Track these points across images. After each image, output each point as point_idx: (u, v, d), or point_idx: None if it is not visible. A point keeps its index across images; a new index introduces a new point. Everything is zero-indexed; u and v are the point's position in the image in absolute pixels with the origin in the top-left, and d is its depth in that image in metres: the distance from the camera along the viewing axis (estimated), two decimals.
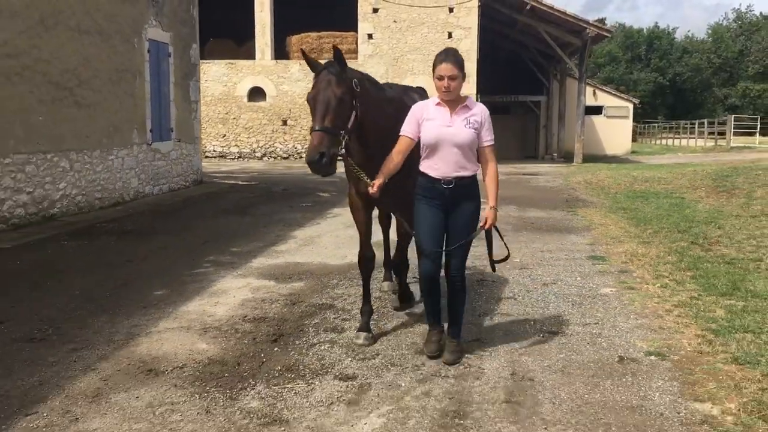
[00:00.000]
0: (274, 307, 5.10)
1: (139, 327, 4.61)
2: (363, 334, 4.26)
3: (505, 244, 4.06)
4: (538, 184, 15.46)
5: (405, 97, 4.60)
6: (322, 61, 3.88)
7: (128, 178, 11.56)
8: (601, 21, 76.67)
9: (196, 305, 5.17)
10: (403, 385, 3.62)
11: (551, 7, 22.97)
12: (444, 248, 3.89)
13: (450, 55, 3.80)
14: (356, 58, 22.98)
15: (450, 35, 22.67)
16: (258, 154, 23.90)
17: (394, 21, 22.93)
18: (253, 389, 3.55)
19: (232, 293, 5.53)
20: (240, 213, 10.50)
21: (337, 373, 3.77)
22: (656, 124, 47.85)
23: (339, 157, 3.71)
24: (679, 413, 3.25)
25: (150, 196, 12.24)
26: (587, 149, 27.51)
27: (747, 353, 3.96)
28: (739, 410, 3.23)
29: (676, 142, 39.70)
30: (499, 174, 3.90)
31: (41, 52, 9.05)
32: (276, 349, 4.18)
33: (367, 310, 4.41)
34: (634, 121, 47.31)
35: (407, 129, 3.87)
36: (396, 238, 4.84)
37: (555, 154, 27.89)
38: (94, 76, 10.38)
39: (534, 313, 4.96)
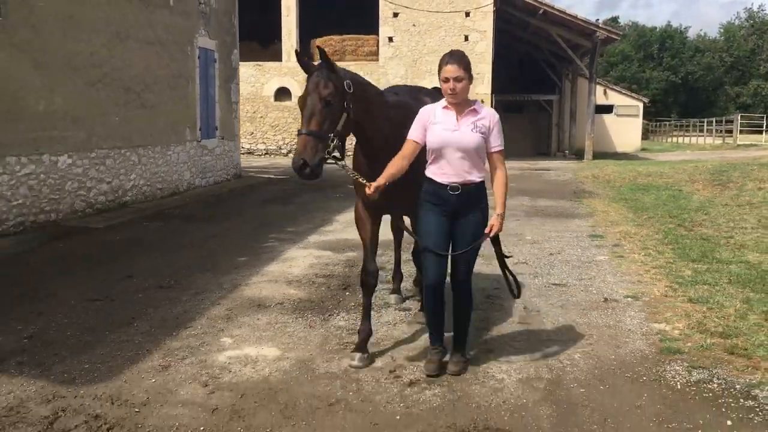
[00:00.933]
0: (337, 268, 6.51)
1: (238, 280, 6.03)
2: (357, 355, 3.99)
3: (513, 276, 3.95)
4: (549, 178, 16.76)
5: (413, 101, 4.40)
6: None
7: (182, 171, 13.03)
8: (614, 19, 77.54)
9: (275, 267, 6.59)
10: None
11: (563, 12, 24.23)
12: (450, 253, 3.77)
13: (455, 56, 3.68)
14: (377, 60, 24.38)
15: (466, 38, 23.97)
16: (284, 151, 25.34)
17: (413, 25, 24.27)
18: (338, 315, 4.96)
19: (300, 259, 6.94)
20: (282, 202, 11.91)
21: (396, 307, 5.16)
22: (667, 123, 48.75)
23: (331, 161, 3.64)
24: (642, 329, 4.61)
25: (199, 188, 13.70)
26: (599, 146, 28.75)
27: (700, 296, 5.31)
28: (683, 328, 4.58)
29: (687, 140, 40.71)
30: (509, 178, 3.83)
31: (116, 62, 10.51)
32: (347, 293, 5.59)
33: (365, 329, 4.15)
34: (646, 119, 48.43)
35: (413, 133, 3.78)
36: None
37: (567, 151, 29.09)
38: (156, 82, 11.84)
39: (542, 272, 6.32)
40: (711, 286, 5.63)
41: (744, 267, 6.27)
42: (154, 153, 11.85)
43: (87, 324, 4.76)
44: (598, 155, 25.55)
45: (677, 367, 3.93)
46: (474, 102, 3.76)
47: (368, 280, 4.17)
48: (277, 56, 25.51)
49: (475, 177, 3.71)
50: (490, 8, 23.90)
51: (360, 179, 3.81)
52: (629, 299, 5.36)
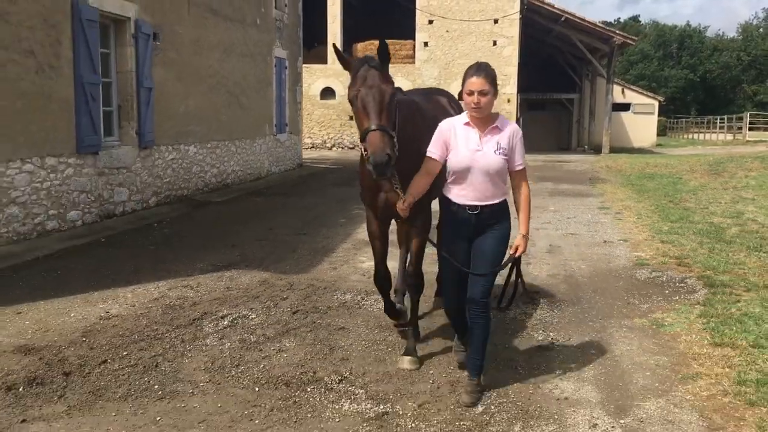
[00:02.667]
0: None
1: (348, 231, 8.70)
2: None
3: (521, 281, 3.81)
4: (569, 168, 19.27)
5: (424, 101, 4.38)
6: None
7: (263, 160, 15.78)
8: (635, 18, 78.97)
9: None
10: None
11: (583, 19, 26.65)
12: (470, 271, 3.62)
13: (482, 69, 3.53)
14: (414, 62, 27.01)
15: (495, 43, 26.48)
16: (328, 145, 28.09)
17: (447, 31, 26.83)
18: None
19: None
20: (348, 185, 14.57)
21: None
22: (684, 120, 50.71)
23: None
24: (626, 255, 7.21)
25: (275, 174, 16.46)
26: (617, 142, 31.11)
27: (669, 239, 7.88)
28: (653, 255, 7.16)
29: (703, 136, 42.74)
30: (531, 194, 3.68)
31: (224, 72, 13.25)
32: None
33: (395, 315, 4.25)
34: (664, 116, 50.54)
35: (434, 150, 3.63)
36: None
37: (586, 146, 31.46)
38: (248, 87, 14.58)
39: (561, 228, 8.93)
40: (679, 235, 8.19)
41: (707, 225, 8.82)
42: (245, 145, 14.61)
43: (268, 250, 7.47)
44: (615, 150, 27.93)
45: (643, 270, 6.52)
46: (496, 117, 3.59)
47: (382, 284, 4.19)
48: (320, 58, 28.21)
49: (496, 198, 3.57)
50: (517, 16, 26.36)
51: (399, 191, 3.65)
52: (620, 241, 7.96)
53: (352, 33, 27.86)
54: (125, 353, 4.25)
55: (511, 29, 26.57)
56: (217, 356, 4.21)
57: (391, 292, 4.37)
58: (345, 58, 3.62)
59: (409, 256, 4.26)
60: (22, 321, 4.86)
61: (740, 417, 3.35)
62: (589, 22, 26.70)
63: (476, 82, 3.46)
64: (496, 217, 3.60)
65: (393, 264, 4.62)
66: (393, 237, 4.65)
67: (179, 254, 7.17)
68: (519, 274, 3.75)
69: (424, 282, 4.34)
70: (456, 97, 4.67)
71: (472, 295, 3.59)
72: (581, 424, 3.33)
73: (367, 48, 27.79)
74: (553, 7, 26.84)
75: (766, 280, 5.97)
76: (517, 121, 27.28)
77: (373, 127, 3.36)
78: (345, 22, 28.05)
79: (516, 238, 3.58)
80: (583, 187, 14.27)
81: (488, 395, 3.69)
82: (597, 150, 29.05)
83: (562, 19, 26.34)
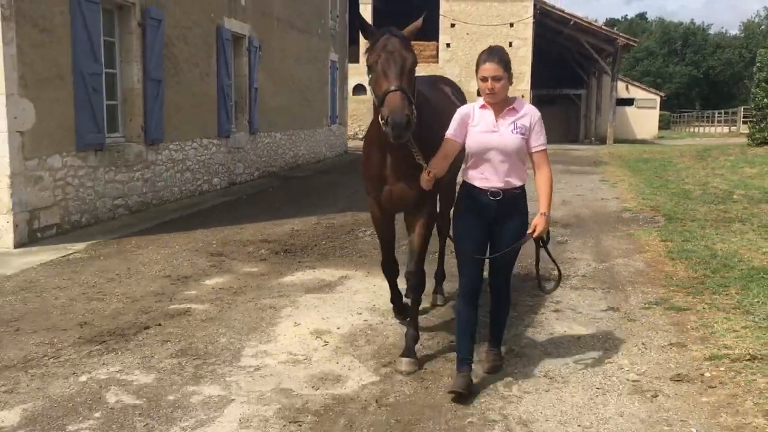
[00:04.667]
0: None
1: None
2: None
3: (555, 262, 3.84)
4: (577, 155, 22.39)
5: (428, 90, 4.29)
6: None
7: (321, 146, 18.97)
8: (642, 15, 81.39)
9: None
10: None
11: (590, 23, 29.71)
12: (487, 256, 3.57)
13: (494, 54, 3.41)
14: (437, 62, 30.08)
15: (510, 44, 29.49)
16: (359, 136, 31.25)
17: (467, 33, 29.91)
18: None
19: None
20: None
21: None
22: (687, 114, 53.58)
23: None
24: (616, 206, 10.37)
25: (330, 158, 19.65)
26: (621, 134, 34.12)
27: (648, 197, 11.02)
28: (635, 205, 10.32)
29: (703, 129, 45.62)
30: (553, 179, 3.56)
31: (298, 74, 16.42)
32: None
33: (396, 303, 4.49)
34: (669, 111, 53.43)
35: (453, 132, 3.55)
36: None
37: (593, 138, 34.46)
38: (312, 86, 17.75)
39: (570, 191, 12.07)
40: (657, 195, 11.32)
41: (679, 190, 11.94)
42: (310, 133, 17.81)
43: (361, 205, 10.65)
44: (619, 141, 30.95)
45: (627, 213, 9.66)
46: (513, 99, 3.51)
47: (390, 268, 4.29)
48: (353, 58, 31.33)
49: (517, 181, 3.50)
50: (530, 20, 29.40)
51: (422, 161, 3.60)
52: (614, 198, 11.12)
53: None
54: (323, 242, 7.44)
55: (525, 32, 29.62)
56: (375, 245, 7.38)
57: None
58: (368, 27, 3.60)
59: (410, 254, 4.01)
60: (247, 230, 8.08)
61: (666, 263, 6.48)
62: (595, 26, 29.74)
63: (489, 68, 3.36)
64: (516, 204, 3.52)
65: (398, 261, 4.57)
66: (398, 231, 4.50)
67: (302, 206, 10.33)
68: (549, 256, 3.70)
69: (425, 281, 4.14)
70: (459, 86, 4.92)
71: (495, 279, 3.67)
72: (583, 265, 6.48)
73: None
74: (563, 11, 29.89)
75: (706, 217, 9.08)
76: None
77: (393, 87, 3.26)
78: (375, 25, 31.08)
79: (536, 217, 3.47)
80: (588, 167, 17.42)
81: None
82: (602, 141, 32.04)
83: (571, 22, 29.38)
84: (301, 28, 16.49)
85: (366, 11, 30.65)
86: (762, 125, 18.66)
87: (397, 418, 3.25)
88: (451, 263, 4.52)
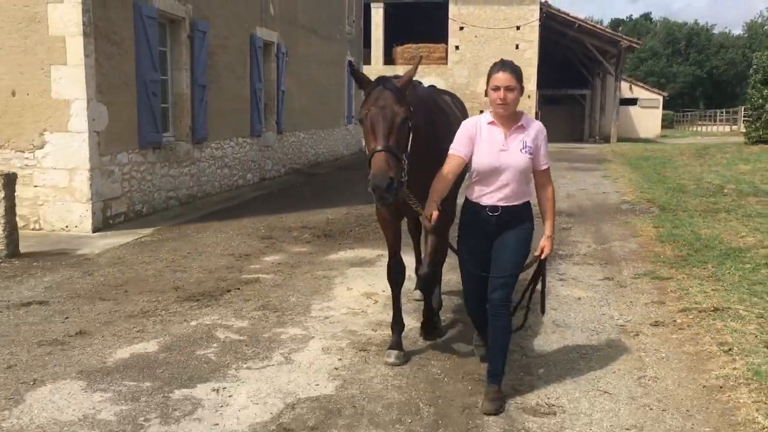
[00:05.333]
0: None
1: None
2: (394, 352, 3.96)
3: (543, 295, 3.73)
4: (581, 153, 23.38)
5: (439, 99, 4.38)
6: (400, 72, 3.71)
7: (338, 145, 20.03)
8: (646, 16, 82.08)
9: None
10: None
11: (594, 25, 30.68)
12: (490, 274, 3.48)
13: (507, 65, 3.40)
14: (446, 63, 31.11)
15: (517, 47, 30.50)
16: None
17: (475, 36, 30.90)
18: None
19: None
20: None
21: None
22: (690, 113, 54.42)
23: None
24: (616, 198, 11.40)
25: (346, 156, 20.71)
26: (624, 133, 35.07)
27: (646, 191, 12.03)
28: (634, 198, 11.34)
29: (707, 128, 46.47)
30: (555, 193, 3.59)
31: (318, 77, 17.48)
32: None
33: (397, 326, 4.09)
34: (673, 110, 54.28)
35: (459, 147, 3.47)
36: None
37: (597, 137, 35.41)
38: (330, 88, 18.81)
39: (574, 186, 13.09)
40: (654, 189, 12.33)
41: (675, 184, 12.94)
42: (329, 132, 18.87)
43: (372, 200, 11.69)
44: (623, 140, 31.89)
45: (625, 204, 10.68)
46: (521, 115, 3.47)
47: (395, 277, 4.08)
48: (365, 60, 32.36)
49: (519, 200, 3.47)
50: (536, 23, 30.38)
51: (419, 209, 3.55)
52: (614, 192, 12.15)
53: (392, 38, 31.99)
54: (356, 228, 8.50)
55: (531, 34, 30.59)
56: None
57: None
58: (362, 77, 3.53)
59: (425, 256, 4.17)
60: (287, 218, 9.14)
61: (656, 245, 7.49)
62: (599, 28, 30.71)
63: (502, 78, 3.34)
64: (517, 218, 3.47)
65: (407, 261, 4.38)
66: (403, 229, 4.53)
67: (330, 199, 11.37)
68: (543, 277, 3.63)
69: (438, 282, 4.56)
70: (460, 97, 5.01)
71: (493, 298, 3.44)
72: (584, 246, 7.51)
73: (405, 51, 31.98)
74: (567, 14, 30.88)
75: (696, 208, 10.08)
76: (536, 115, 31.36)
77: (379, 147, 3.24)
78: (386, 28, 32.18)
79: (541, 240, 3.49)
80: (592, 164, 18.43)
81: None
82: (606, 140, 32.99)
83: (576, 25, 30.36)
84: (321, 34, 17.54)
85: (378, 15, 31.73)
86: (757, 124, 19.61)
87: (439, 347, 4.30)
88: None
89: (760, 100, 19.57)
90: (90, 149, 7.78)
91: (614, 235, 8.20)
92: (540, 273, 3.62)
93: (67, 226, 7.87)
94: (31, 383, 3.65)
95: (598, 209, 10.33)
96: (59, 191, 7.84)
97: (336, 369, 3.92)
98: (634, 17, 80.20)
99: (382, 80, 3.46)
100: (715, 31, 70.63)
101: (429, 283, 4.25)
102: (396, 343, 4.03)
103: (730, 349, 4.06)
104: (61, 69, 7.62)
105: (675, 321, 4.73)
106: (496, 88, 3.35)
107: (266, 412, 3.35)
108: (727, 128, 40.86)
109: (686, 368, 3.91)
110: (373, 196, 3.27)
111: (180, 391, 3.57)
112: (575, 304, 5.27)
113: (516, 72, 3.38)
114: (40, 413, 3.30)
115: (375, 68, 32.24)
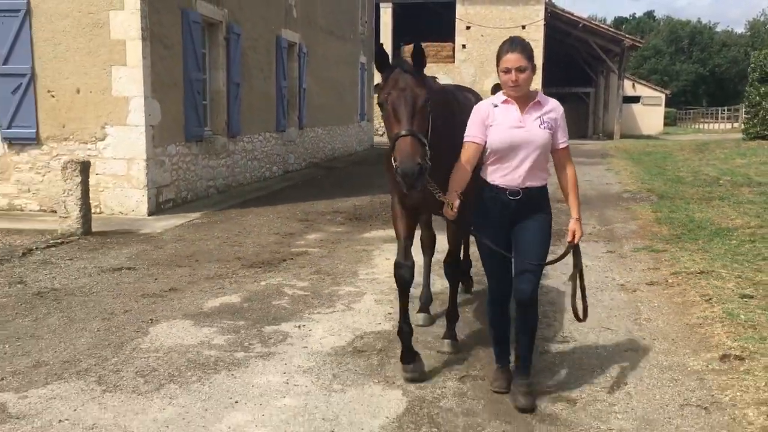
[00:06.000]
0: None
1: None
2: (410, 366, 3.66)
3: (583, 292, 3.46)
4: (586, 149, 24.25)
5: (459, 95, 4.24)
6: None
7: (352, 141, 20.93)
8: (650, 14, 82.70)
9: None
10: None
11: (597, 25, 31.53)
12: (513, 267, 3.39)
13: (516, 44, 3.23)
14: (453, 62, 32.00)
15: None
16: (380, 132, 33.14)
17: (482, 35, 31.77)
18: None
19: None
20: None
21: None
22: (693, 111, 55.21)
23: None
24: (619, 189, 12.29)
25: (360, 152, 21.61)
26: (628, 130, 35.91)
27: (647, 182, 12.91)
28: (635, 188, 12.22)
29: (709, 126, 47.29)
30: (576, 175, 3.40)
31: (336, 76, 18.36)
32: None
33: (406, 330, 3.72)
34: (676, 107, 55.06)
35: (474, 133, 3.33)
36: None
37: (601, 134, 36.25)
38: (345, 86, 19.71)
39: (579, 177, 13.93)
40: (654, 180, 13.20)
41: (673, 176, 13.82)
42: (344, 129, 19.78)
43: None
44: (626, 136, 32.75)
45: (627, 194, 11.56)
46: (536, 93, 3.32)
47: (402, 274, 3.72)
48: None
49: (539, 181, 3.33)
50: (542, 22, 31.22)
51: (442, 197, 3.32)
52: (617, 183, 13.03)
53: (400, 37, 32.84)
54: (382, 213, 9.39)
55: (537, 34, 31.42)
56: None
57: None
58: (384, 59, 3.38)
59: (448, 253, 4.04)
60: (318, 205, 10.04)
61: (654, 226, 8.36)
62: (603, 27, 31.56)
63: (512, 59, 3.20)
64: (537, 204, 3.34)
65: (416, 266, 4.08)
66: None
67: (352, 189, 12.25)
68: (581, 271, 3.40)
69: (468, 270, 4.63)
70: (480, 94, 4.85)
71: (521, 292, 3.31)
72: (590, 227, 8.35)
73: (412, 50, 32.79)
74: (572, 14, 31.73)
75: (693, 196, 10.94)
76: None
77: (404, 132, 3.12)
78: (394, 27, 33.07)
79: (570, 223, 3.35)
80: (596, 159, 19.31)
81: None
82: (610, 137, 33.82)
83: (580, 25, 31.21)
84: (337, 34, 18.44)
85: (387, 15, 32.61)
86: (755, 121, 20.46)
87: (468, 301, 5.20)
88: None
89: (758, 98, 20.41)
90: (146, 141, 8.69)
91: (616, 218, 9.09)
92: (579, 261, 3.35)
93: (123, 211, 8.78)
94: (149, 322, 4.57)
95: (601, 197, 11.21)
96: (118, 179, 8.75)
97: (389, 314, 4.82)
98: (637, 15, 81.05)
99: (399, 63, 3.35)
100: (719, 28, 71.40)
101: (455, 275, 4.13)
102: (407, 355, 3.67)
103: (710, 299, 4.95)
104: (121, 69, 8.53)
105: (667, 281, 5.63)
106: (507, 71, 3.22)
107: (341, 340, 4.26)
108: (729, 125, 41.65)
109: (673, 312, 4.80)
110: (402, 184, 3.08)
111: (269, 327, 4.48)
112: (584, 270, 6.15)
113: (526, 50, 3.24)
114: (166, 340, 4.21)
115: None
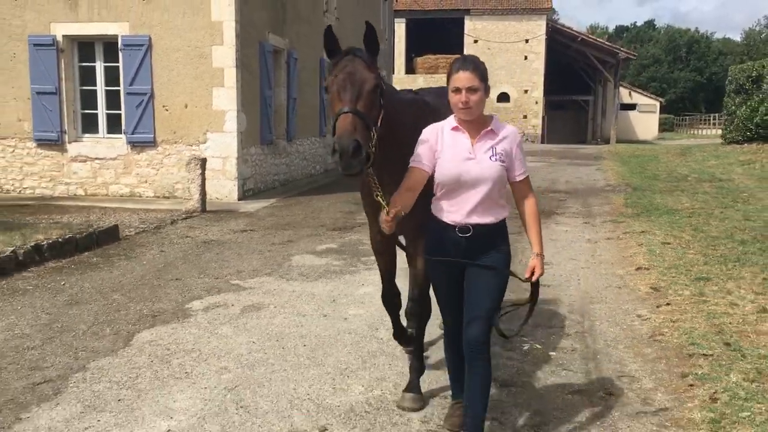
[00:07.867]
0: None
1: None
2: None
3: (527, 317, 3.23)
4: (582, 153, 26.98)
5: (437, 99, 3.72)
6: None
7: None
8: (650, 23, 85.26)
9: None
10: None
11: (594, 39, 34.36)
12: (465, 307, 3.04)
13: (469, 62, 2.94)
14: None
15: (526, 57, 34.14)
16: None
17: (488, 48, 34.54)
18: None
19: None
20: None
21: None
22: (689, 117, 57.92)
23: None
24: (602, 183, 15.02)
25: None
26: (624, 136, 38.60)
27: (627, 177, 15.64)
28: (616, 182, 14.95)
29: (704, 131, 49.94)
30: (539, 210, 3.12)
31: None
32: None
33: (402, 335, 3.83)
34: (673, 114, 57.75)
35: (420, 158, 3.00)
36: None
37: (598, 139, 38.96)
38: None
39: (572, 176, 16.70)
40: (633, 177, 15.91)
41: (651, 173, 16.53)
42: None
43: None
44: (622, 142, 35.44)
45: (609, 186, 14.28)
46: (490, 119, 3.03)
47: (390, 304, 3.80)
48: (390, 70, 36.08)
49: (492, 217, 3.00)
50: (543, 37, 34.01)
51: (380, 197, 2.98)
52: (603, 179, 15.77)
53: (412, 49, 35.68)
54: None
55: (539, 47, 34.22)
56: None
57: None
58: (334, 44, 3.08)
59: (413, 281, 3.66)
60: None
61: (622, 208, 11.06)
62: (599, 41, 34.38)
63: (463, 77, 2.88)
64: (492, 241, 3.02)
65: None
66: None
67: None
68: (535, 299, 3.13)
69: (431, 309, 3.74)
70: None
71: (469, 335, 2.96)
72: (574, 209, 11.10)
73: (424, 61, 35.67)
74: (571, 29, 34.61)
75: (661, 189, 13.63)
76: (543, 119, 35.01)
77: (345, 109, 2.80)
78: (407, 41, 35.91)
79: (531, 260, 3.03)
80: (589, 161, 22.06)
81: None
82: (607, 142, 36.52)
83: (578, 39, 34.02)
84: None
85: (400, 29, 35.43)
86: (731, 127, 23.11)
87: None
88: None
89: (733, 107, 23.08)
90: (237, 144, 11.47)
91: (595, 203, 11.82)
92: (535, 298, 3.13)
93: (219, 197, 11.55)
94: (287, 256, 7.32)
95: (587, 189, 13.94)
96: (215, 172, 11.52)
97: None
98: (638, 24, 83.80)
99: (352, 50, 3.08)
100: (715, 37, 74.06)
101: (417, 313, 3.73)
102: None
103: (641, 245, 7.68)
104: (220, 90, 11.32)
105: (618, 237, 8.36)
106: (457, 90, 2.91)
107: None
108: (719, 131, 44.34)
109: (617, 251, 7.55)
110: (337, 165, 2.77)
111: (365, 258, 7.22)
112: (563, 233, 8.90)
113: (479, 69, 2.94)
114: (305, 262, 6.97)
115: (398, 77, 35.93)
